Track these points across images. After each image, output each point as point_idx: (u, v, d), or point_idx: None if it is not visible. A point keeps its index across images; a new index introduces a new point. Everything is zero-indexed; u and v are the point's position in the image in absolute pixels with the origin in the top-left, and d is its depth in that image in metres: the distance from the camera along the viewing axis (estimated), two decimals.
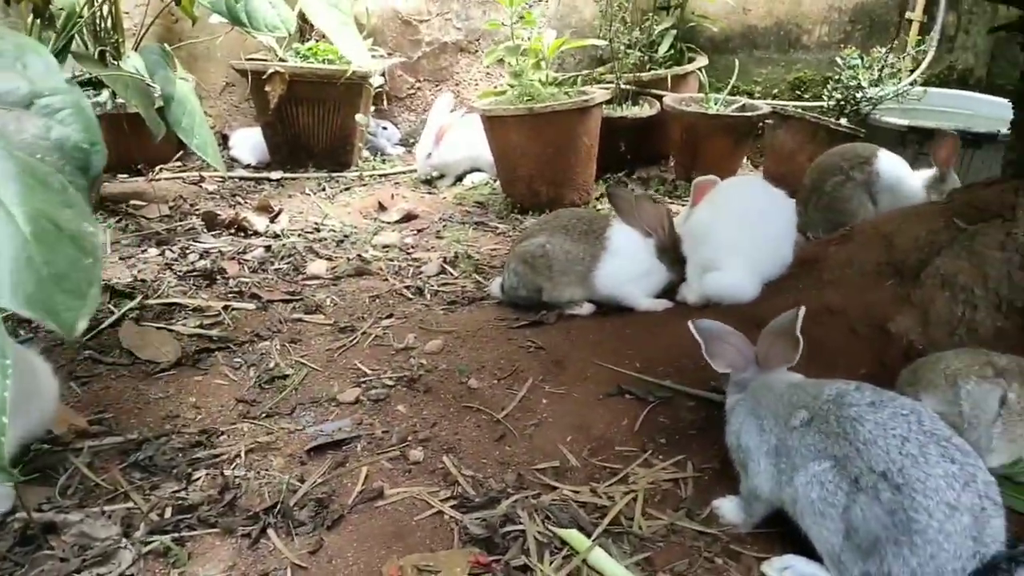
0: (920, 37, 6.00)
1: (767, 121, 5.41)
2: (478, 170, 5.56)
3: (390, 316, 3.30)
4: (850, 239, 2.86)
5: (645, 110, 5.47)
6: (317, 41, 5.86)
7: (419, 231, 4.54)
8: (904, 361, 2.37)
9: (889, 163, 3.86)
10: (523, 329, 3.11)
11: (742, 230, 2.93)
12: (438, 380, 2.73)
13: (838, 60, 5.57)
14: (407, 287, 3.63)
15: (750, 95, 6.55)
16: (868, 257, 2.67)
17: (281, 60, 5.58)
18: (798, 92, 6.62)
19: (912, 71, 5.94)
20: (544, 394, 2.65)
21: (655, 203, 3.16)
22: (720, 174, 5.23)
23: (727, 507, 2.08)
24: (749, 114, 5.15)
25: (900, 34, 6.45)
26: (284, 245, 4.15)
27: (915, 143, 5.28)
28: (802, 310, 1.96)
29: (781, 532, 1.96)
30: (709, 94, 5.39)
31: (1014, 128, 2.55)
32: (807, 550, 1.83)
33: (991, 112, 5.84)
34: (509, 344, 2.97)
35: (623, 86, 5.52)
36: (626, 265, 3.11)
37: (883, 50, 5.52)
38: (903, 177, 3.83)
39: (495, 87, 6.15)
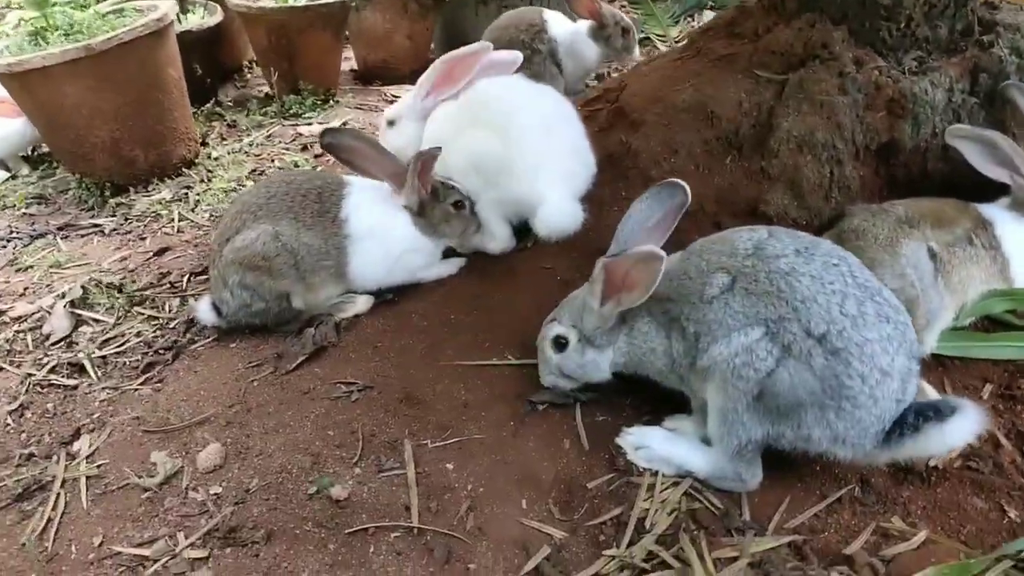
0: None
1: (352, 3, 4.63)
2: None
3: (76, 434, 2.03)
4: (642, 124, 2.43)
5: (207, 16, 4.26)
6: None
7: None
8: None
9: (560, 27, 3.48)
10: (303, 368, 2.15)
11: (545, 146, 2.28)
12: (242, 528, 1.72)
13: None
14: (55, 370, 2.30)
15: None
16: (692, 138, 2.29)
17: None
18: None
19: None
20: (436, 468, 1.82)
21: (382, 150, 2.32)
22: (325, 74, 4.45)
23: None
24: None
25: None
26: None
27: None
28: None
29: None
30: None
31: None
32: None
33: None
34: (315, 410, 2.00)
35: None
36: (382, 248, 2.30)
37: None
38: (577, 37, 3.51)
39: None
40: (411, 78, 4.96)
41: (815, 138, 2.14)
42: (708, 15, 6.21)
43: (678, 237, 2.17)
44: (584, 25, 3.48)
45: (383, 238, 2.31)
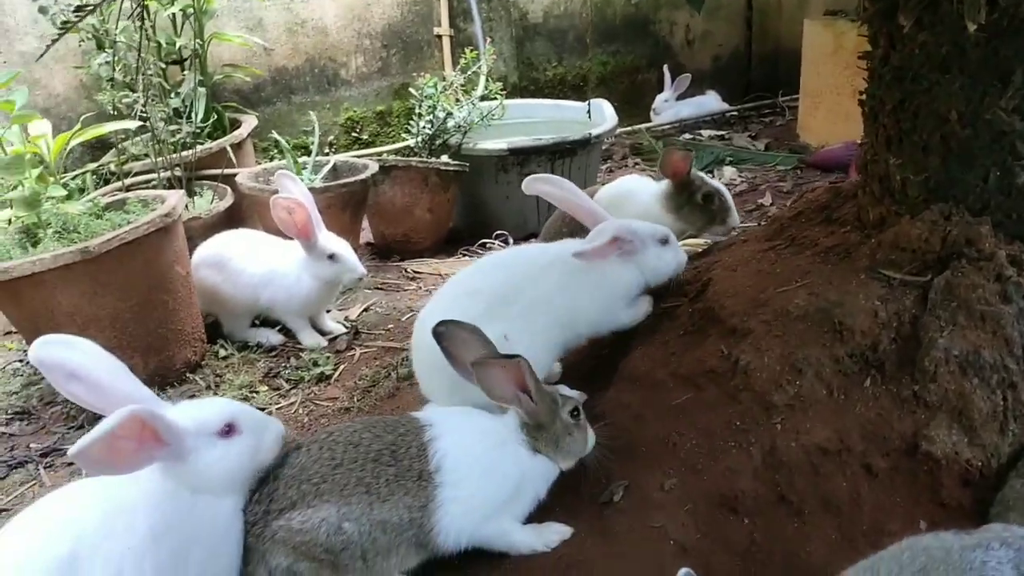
0: (470, 51, 5.46)
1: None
2: None
3: None
4: (746, 333, 2.02)
5: (216, 202, 3.97)
6: None
7: None
8: (969, 492, 1.68)
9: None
10: None
11: None
12: None
13: (412, 91, 4.78)
14: None
15: (305, 149, 5.43)
16: (818, 354, 1.88)
17: None
18: (354, 134, 5.71)
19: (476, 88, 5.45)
20: None
21: (490, 352, 1.85)
22: None
23: None
24: (362, 177, 4.02)
25: (434, 52, 5.95)
26: None
27: (516, 165, 4.85)
28: None
29: None
30: (297, 161, 4.12)
31: None
32: None
33: (553, 115, 5.74)
34: None
35: (175, 174, 3.92)
36: (481, 492, 1.83)
37: (455, 73, 4.91)
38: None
39: None
40: (432, 251, 4.71)
41: (982, 358, 1.73)
42: (729, 170, 6.06)
43: (821, 486, 1.75)
44: None
45: (487, 476, 1.83)
